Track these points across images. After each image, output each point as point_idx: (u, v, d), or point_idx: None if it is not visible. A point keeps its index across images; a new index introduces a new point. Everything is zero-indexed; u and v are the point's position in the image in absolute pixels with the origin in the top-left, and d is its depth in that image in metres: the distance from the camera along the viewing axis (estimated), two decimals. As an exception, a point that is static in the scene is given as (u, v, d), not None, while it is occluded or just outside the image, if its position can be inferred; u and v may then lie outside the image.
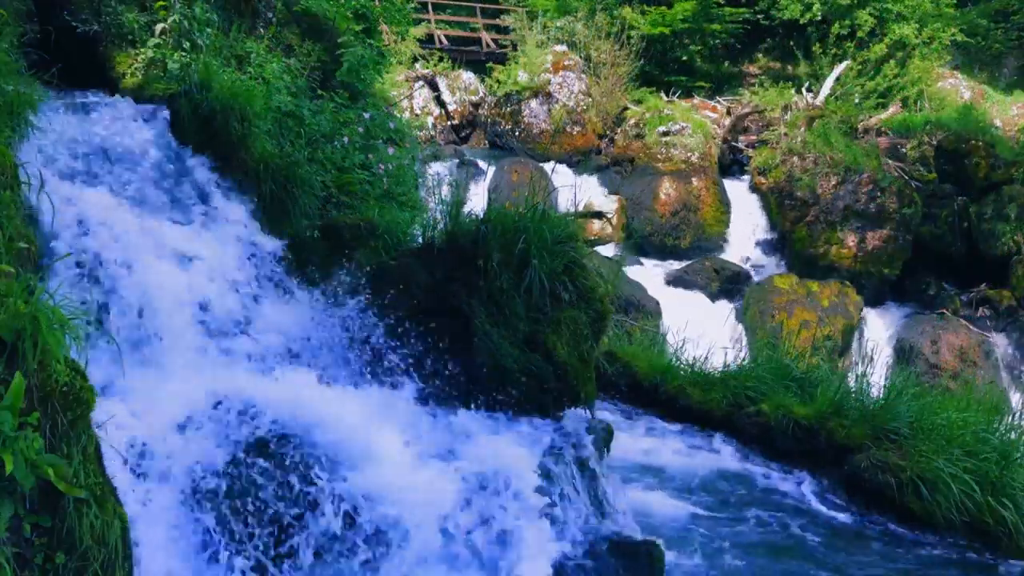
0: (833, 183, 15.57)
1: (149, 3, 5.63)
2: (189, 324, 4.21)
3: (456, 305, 4.70)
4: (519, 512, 3.81)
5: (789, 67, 20.92)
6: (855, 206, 15.42)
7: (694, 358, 7.21)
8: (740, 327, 13.53)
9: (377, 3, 7.85)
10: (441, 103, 19.51)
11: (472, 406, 4.59)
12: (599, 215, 16.01)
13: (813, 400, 6.18)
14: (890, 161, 15.79)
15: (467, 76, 20.00)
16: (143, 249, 4.14)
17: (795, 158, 16.01)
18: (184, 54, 5.39)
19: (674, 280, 15.08)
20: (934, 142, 16.13)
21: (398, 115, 8.05)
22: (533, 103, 18.65)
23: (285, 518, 3.34)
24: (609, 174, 17.68)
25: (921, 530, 5.07)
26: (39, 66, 4.64)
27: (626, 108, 18.82)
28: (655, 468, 5.68)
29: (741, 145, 17.64)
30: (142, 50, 5.44)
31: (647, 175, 16.81)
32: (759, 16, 20.80)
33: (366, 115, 6.67)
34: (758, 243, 16.42)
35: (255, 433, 3.55)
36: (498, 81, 19.01)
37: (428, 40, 20.73)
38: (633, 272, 14.81)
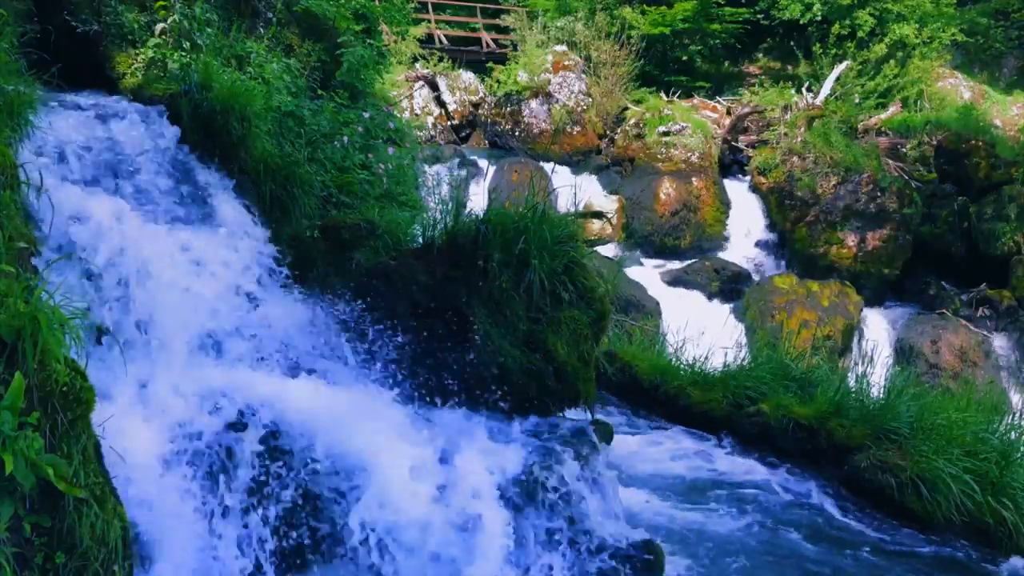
0: (833, 183, 15.57)
1: (149, 3, 5.63)
2: (187, 324, 4.21)
3: (456, 305, 4.70)
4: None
5: (789, 67, 20.92)
6: (855, 206, 15.42)
7: (694, 358, 7.20)
8: (740, 327, 13.52)
9: (377, 3, 7.85)
10: (441, 103, 19.50)
11: (472, 406, 4.59)
12: (599, 215, 16.00)
13: (813, 400, 6.18)
14: (890, 161, 15.80)
15: (467, 76, 19.99)
16: (142, 249, 4.14)
17: (795, 158, 16.01)
18: (184, 54, 5.39)
19: (674, 280, 15.08)
20: (934, 142, 16.13)
21: (398, 115, 8.05)
22: (533, 103, 18.65)
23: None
24: (609, 174, 17.68)
25: (921, 530, 5.07)
26: (39, 66, 4.64)
27: (626, 108, 18.82)
28: (652, 470, 5.68)
29: (741, 145, 17.64)
30: (142, 50, 5.43)
31: (647, 175, 16.81)
32: (759, 16, 20.81)
33: (366, 115, 6.67)
34: (758, 243, 16.41)
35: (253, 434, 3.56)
36: (498, 81, 19.01)
37: (428, 40, 20.72)
38: (633, 272, 14.81)
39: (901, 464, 5.27)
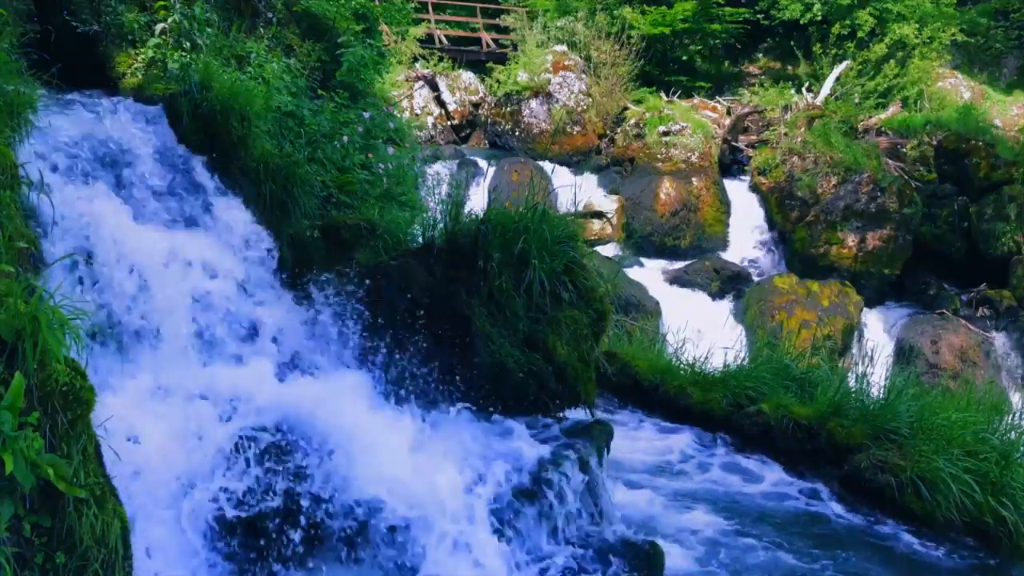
0: (833, 183, 15.57)
1: (149, 3, 5.63)
2: (187, 325, 4.21)
3: (456, 305, 4.70)
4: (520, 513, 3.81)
5: (789, 67, 20.94)
6: (855, 206, 15.42)
7: (694, 358, 7.20)
8: (740, 327, 13.52)
9: (377, 3, 7.85)
10: (441, 103, 19.51)
11: (472, 406, 4.59)
12: (599, 215, 16.01)
13: (813, 400, 6.17)
14: (890, 161, 15.80)
15: (467, 76, 20.00)
16: (141, 249, 4.14)
17: (795, 158, 16.01)
18: (184, 54, 5.39)
19: (674, 280, 15.09)
20: (934, 142, 16.14)
21: (398, 115, 8.05)
22: (533, 103, 18.65)
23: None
24: (609, 174, 17.69)
25: (921, 530, 5.07)
26: (39, 66, 4.64)
27: (626, 108, 18.83)
28: (652, 469, 5.68)
29: (741, 145, 17.65)
30: (142, 50, 5.44)
31: (647, 175, 16.81)
32: (759, 16, 20.82)
33: (366, 115, 6.67)
34: (758, 243, 16.41)
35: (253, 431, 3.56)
36: (498, 81, 19.02)
37: (428, 40, 20.73)
38: (633, 272, 14.82)
39: (901, 464, 5.26)
